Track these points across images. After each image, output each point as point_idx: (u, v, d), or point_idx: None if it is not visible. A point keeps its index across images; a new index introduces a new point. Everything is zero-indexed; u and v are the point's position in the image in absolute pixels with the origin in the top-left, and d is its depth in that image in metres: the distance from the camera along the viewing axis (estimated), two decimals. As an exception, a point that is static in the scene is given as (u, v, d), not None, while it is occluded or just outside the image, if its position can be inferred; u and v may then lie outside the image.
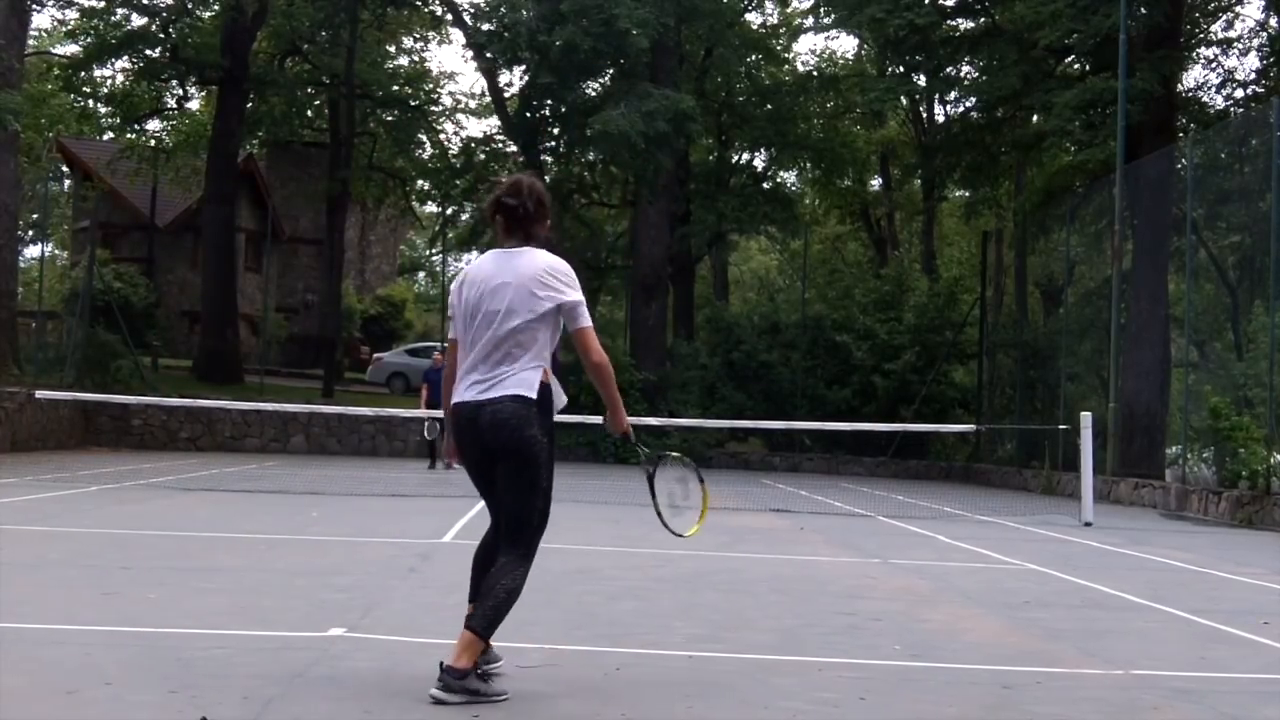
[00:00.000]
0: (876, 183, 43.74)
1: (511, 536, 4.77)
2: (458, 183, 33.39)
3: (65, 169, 44.68)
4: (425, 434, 23.70)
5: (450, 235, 35.16)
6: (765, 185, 36.69)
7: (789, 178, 41.78)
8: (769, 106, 35.66)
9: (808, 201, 43.88)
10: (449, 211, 35.79)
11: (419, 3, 36.40)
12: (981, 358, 28.57)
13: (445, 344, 5.22)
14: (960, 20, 28.97)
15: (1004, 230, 33.08)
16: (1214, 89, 28.87)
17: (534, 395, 4.75)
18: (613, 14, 27.36)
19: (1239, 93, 28.01)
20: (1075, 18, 22.49)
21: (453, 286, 5.05)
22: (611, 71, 31.10)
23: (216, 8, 31.91)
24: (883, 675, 5.37)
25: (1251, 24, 28.84)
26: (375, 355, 39.02)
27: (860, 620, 6.84)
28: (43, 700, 4.29)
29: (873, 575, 9.03)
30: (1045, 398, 26.20)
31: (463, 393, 4.83)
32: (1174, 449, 21.17)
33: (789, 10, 39.14)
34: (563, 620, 6.28)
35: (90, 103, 36.76)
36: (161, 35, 32.37)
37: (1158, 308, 22.43)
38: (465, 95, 56.11)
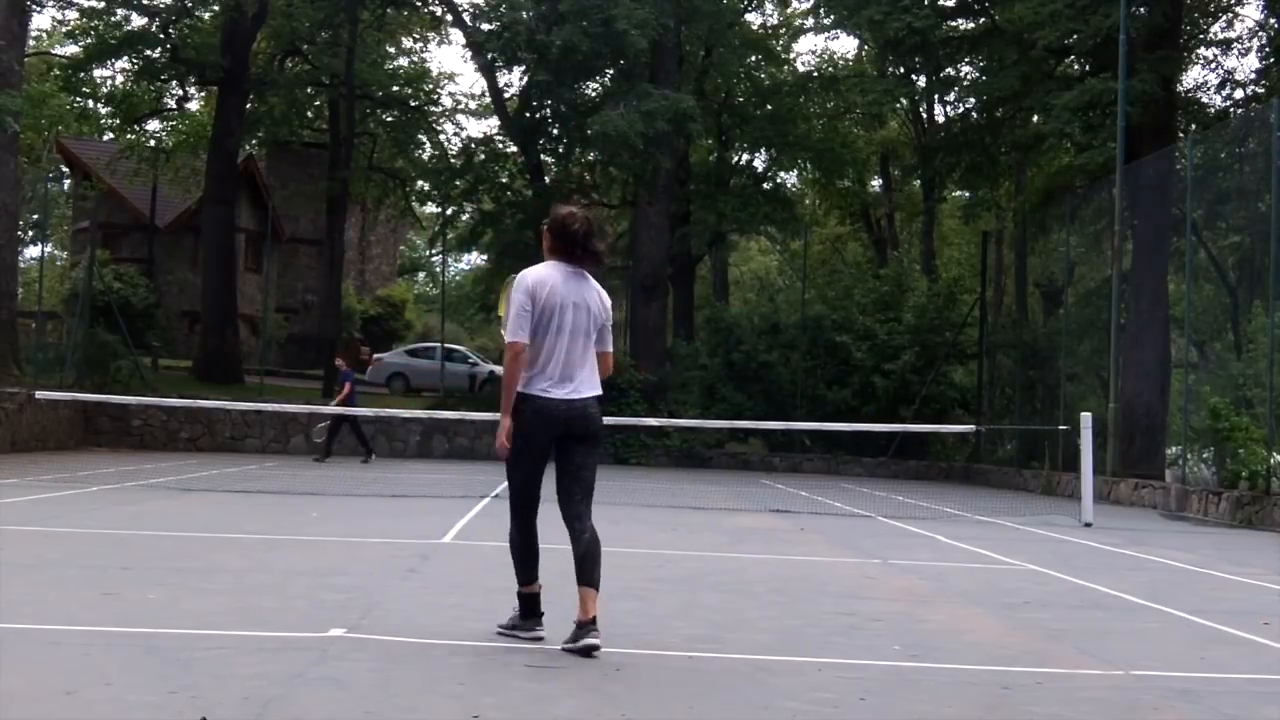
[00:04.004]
0: (876, 183, 43.74)
1: (589, 501, 5.86)
2: (457, 183, 33.37)
3: (65, 169, 44.71)
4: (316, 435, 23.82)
5: (450, 236, 35.15)
6: (765, 186, 36.67)
7: (789, 178, 41.78)
8: (769, 107, 35.65)
9: (808, 202, 43.88)
10: (449, 212, 35.76)
11: (419, 3, 36.41)
12: (981, 358, 28.56)
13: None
14: (960, 20, 28.97)
15: (1004, 230, 33.07)
16: (1214, 89, 28.88)
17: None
18: (612, 14, 27.36)
19: (1239, 93, 28.01)
20: (1075, 18, 22.49)
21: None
22: (611, 72, 31.10)
23: (216, 8, 31.90)
24: (882, 676, 5.37)
25: (1251, 24, 28.81)
26: (375, 356, 39.03)
27: (860, 621, 6.84)
28: (43, 701, 4.29)
29: (872, 576, 9.03)
30: (1045, 398, 26.19)
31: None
32: (1174, 449, 21.16)
33: (789, 11, 39.16)
34: (562, 621, 6.27)
35: (90, 103, 36.77)
36: (161, 35, 32.36)
37: (1157, 308, 22.43)
38: (465, 96, 56.01)
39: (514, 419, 5.66)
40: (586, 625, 5.50)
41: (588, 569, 5.63)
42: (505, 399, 5.68)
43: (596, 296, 5.81)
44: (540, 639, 5.71)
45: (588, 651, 5.45)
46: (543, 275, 5.72)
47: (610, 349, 5.94)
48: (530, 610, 5.81)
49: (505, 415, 5.65)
